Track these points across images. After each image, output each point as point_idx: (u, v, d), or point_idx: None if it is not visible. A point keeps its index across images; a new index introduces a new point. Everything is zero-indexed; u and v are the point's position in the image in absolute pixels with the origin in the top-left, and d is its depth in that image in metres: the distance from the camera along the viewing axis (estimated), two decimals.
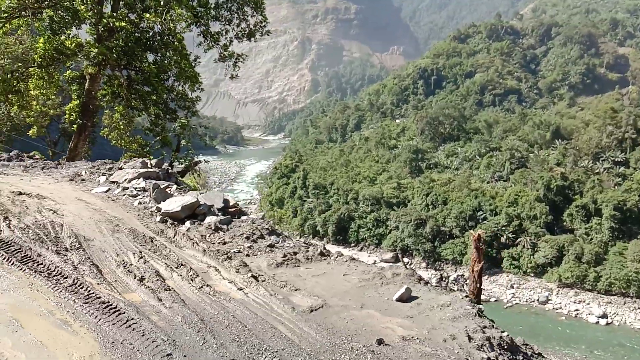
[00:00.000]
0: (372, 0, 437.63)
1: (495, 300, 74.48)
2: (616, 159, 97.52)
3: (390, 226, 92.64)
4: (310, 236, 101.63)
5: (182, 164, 19.31)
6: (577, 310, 70.13)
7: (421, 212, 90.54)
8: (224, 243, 8.30)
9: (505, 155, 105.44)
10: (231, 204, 10.21)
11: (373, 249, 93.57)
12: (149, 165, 11.79)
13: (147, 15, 14.76)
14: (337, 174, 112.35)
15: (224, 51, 18.28)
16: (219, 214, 9.57)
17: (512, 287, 77.11)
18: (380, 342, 5.36)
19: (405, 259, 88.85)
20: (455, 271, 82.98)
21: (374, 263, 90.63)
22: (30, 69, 16.48)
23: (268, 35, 20.40)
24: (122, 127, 18.60)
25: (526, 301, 73.65)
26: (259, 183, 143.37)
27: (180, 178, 16.47)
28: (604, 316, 68.09)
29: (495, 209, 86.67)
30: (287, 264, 7.61)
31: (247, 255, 7.89)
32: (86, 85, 16.63)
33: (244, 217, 9.62)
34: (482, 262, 10.41)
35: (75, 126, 17.70)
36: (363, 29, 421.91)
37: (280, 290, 6.77)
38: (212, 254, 7.66)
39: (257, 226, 8.75)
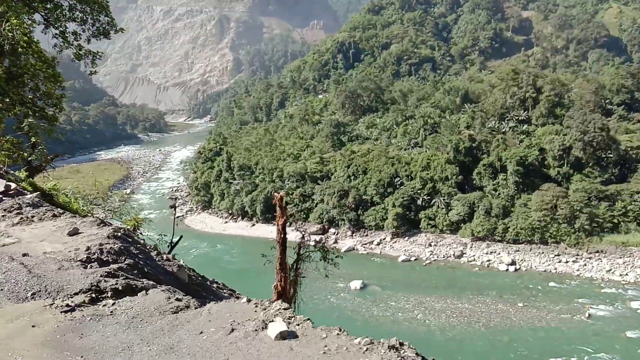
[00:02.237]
0: None
1: (415, 259, 79.24)
2: (520, 118, 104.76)
3: (316, 200, 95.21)
4: (240, 217, 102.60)
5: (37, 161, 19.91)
6: (489, 260, 76.14)
7: (343, 184, 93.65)
8: None
9: (419, 123, 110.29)
10: (12, 187, 11.21)
11: (301, 224, 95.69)
12: None
13: None
14: (261, 153, 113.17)
15: (78, 51, 18.89)
16: None
17: (430, 245, 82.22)
18: None
19: (332, 230, 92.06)
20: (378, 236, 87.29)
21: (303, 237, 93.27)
22: None
23: (122, 32, 21.18)
24: None
25: (443, 257, 78.91)
26: (184, 169, 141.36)
27: (23, 175, 17.26)
28: (513, 263, 74.43)
29: (410, 174, 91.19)
30: (21, 224, 8.60)
31: None
32: None
33: (18, 197, 10.47)
34: (285, 217, 12.39)
35: None
36: (281, 5, 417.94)
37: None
38: None
39: (18, 201, 9.70)
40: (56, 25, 17.87)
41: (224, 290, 10.67)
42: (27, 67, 16.86)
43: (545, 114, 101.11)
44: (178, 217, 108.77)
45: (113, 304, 5.69)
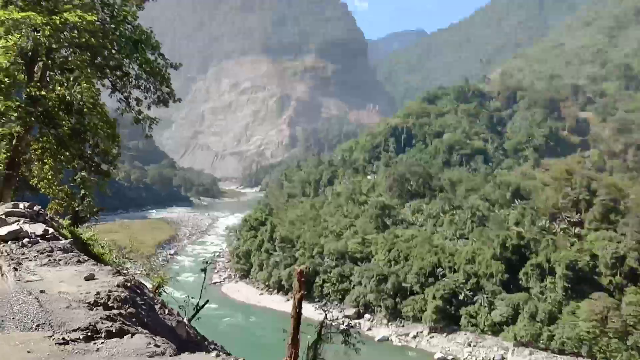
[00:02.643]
0: (349, 60, 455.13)
1: (452, 358, 75.37)
2: (572, 220, 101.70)
3: (354, 281, 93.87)
4: (275, 290, 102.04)
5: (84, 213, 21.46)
6: None
7: (383, 268, 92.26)
8: (22, 253, 9.86)
9: (467, 214, 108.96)
10: (50, 232, 11.97)
11: (336, 305, 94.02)
12: (20, 207, 13.53)
13: (58, 87, 17.20)
14: (305, 227, 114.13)
15: (137, 115, 20.85)
16: (34, 237, 11.16)
17: (470, 345, 78.22)
18: None
19: (367, 315, 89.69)
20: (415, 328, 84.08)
21: (337, 319, 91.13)
22: None
23: (180, 102, 23.23)
24: (50, 177, 20.69)
25: (482, 359, 74.70)
26: (229, 235, 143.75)
27: (65, 223, 18.42)
28: None
29: (454, 266, 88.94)
30: (48, 265, 9.26)
31: (28, 259, 9.51)
32: (14, 141, 18.79)
33: (53, 241, 11.13)
34: (302, 291, 12.71)
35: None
36: (340, 88, 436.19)
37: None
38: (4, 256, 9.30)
39: (51, 244, 10.37)
40: (122, 91, 19.87)
41: (220, 352, 10.87)
42: (90, 125, 18.68)
43: (599, 219, 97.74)
44: (215, 283, 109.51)
45: (102, 342, 6.38)
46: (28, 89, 16.49)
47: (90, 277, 8.65)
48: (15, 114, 16.33)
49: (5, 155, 19.01)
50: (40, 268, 9.20)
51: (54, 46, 16.67)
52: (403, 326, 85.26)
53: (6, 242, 10.23)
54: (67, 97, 17.02)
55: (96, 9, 18.22)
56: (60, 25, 15.87)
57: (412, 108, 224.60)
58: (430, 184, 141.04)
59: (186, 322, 10.99)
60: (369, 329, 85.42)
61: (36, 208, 14.08)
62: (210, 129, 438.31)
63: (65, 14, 15.90)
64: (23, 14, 15.14)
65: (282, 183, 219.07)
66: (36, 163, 21.07)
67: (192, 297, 24.84)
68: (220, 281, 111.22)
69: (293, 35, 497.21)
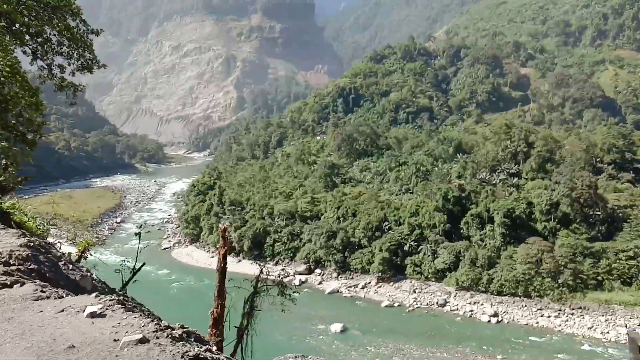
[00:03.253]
0: (296, 19, 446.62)
1: (399, 305, 78.65)
2: (510, 171, 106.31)
3: (304, 239, 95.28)
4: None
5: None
6: (472, 310, 75.58)
7: (332, 225, 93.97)
8: None
9: (411, 169, 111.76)
10: None
11: (287, 262, 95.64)
12: None
13: None
14: (254, 190, 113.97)
15: (60, 83, 20.12)
16: None
17: (415, 292, 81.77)
18: None
19: (318, 270, 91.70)
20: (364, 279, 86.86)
21: (289, 275, 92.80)
22: None
23: (105, 68, 22.53)
24: None
25: (427, 304, 78.34)
26: (177, 201, 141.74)
27: None
28: (495, 315, 73.85)
29: (399, 220, 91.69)
30: None
31: None
32: None
33: None
34: (226, 247, 12.96)
35: None
36: (288, 48, 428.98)
37: None
38: None
39: None
40: (44, 58, 19.07)
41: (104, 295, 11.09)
42: (11, 94, 17.90)
43: (536, 169, 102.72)
44: (165, 249, 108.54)
45: None
46: None
47: None
48: None
49: None
50: None
51: None
52: (352, 278, 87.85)
53: None
54: None
55: None
56: None
57: (360, 68, 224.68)
58: (378, 142, 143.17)
59: (93, 277, 11.03)
60: (320, 283, 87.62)
61: None
62: (153, 93, 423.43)
63: None
64: None
65: (230, 146, 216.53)
66: None
67: (127, 261, 24.68)
68: (170, 246, 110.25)
69: None
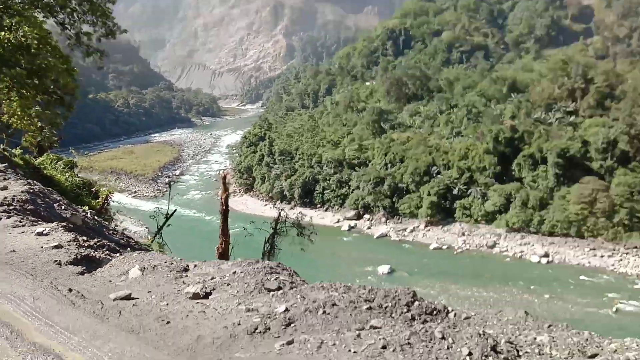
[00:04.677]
0: None
1: (447, 248, 79.54)
2: (567, 109, 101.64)
3: (352, 186, 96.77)
4: (279, 200, 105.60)
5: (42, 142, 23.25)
6: (521, 251, 75.40)
7: (380, 171, 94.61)
8: None
9: (463, 112, 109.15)
10: None
11: (337, 209, 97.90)
12: None
13: (2, 33, 18.17)
14: (302, 139, 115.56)
15: (87, 50, 21.88)
16: None
17: (464, 234, 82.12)
18: None
19: (367, 216, 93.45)
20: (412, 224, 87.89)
21: (338, 221, 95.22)
22: None
23: (126, 33, 24.09)
24: (19, 112, 22.14)
25: (476, 246, 78.76)
26: (231, 153, 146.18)
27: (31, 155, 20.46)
28: (546, 255, 73.39)
29: (448, 164, 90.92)
30: None
31: None
32: None
33: None
34: (227, 192, 14.48)
35: None
36: None
37: None
38: None
39: None
40: (71, 28, 20.82)
41: (117, 236, 12.69)
42: (45, 63, 19.83)
43: (594, 106, 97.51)
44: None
45: None
46: None
47: (3, 188, 10.61)
48: None
49: None
50: None
51: None
52: (400, 222, 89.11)
53: None
54: (12, 39, 18.03)
55: None
56: None
57: (409, 7, 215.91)
58: (428, 85, 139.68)
59: (85, 214, 12.73)
60: (369, 228, 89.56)
61: None
62: (204, 46, 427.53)
63: None
64: None
65: (281, 97, 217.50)
66: (4, 102, 22.43)
67: (160, 208, 27.23)
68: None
69: None
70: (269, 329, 4.99)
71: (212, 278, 6.34)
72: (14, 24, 18.86)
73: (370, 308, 5.47)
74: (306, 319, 5.18)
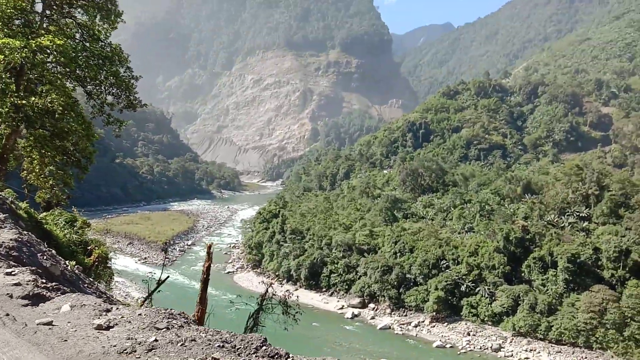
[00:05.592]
0: (373, 55, 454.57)
1: (451, 347, 76.98)
2: (581, 214, 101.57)
3: (360, 272, 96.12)
4: (285, 280, 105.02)
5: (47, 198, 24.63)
6: (527, 358, 72.50)
7: (389, 259, 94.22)
8: None
9: (476, 208, 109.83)
10: None
11: (342, 295, 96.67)
12: None
13: (33, 98, 20.43)
14: (315, 220, 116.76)
15: (108, 118, 23.93)
16: None
17: (469, 334, 79.66)
18: None
19: (372, 305, 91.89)
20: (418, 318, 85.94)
21: (342, 307, 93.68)
22: None
23: (146, 107, 26.32)
24: (37, 170, 23.90)
25: (480, 348, 76.04)
26: (244, 227, 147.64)
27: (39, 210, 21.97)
28: None
29: (457, 258, 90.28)
30: None
31: None
32: (3, 141, 22.14)
33: None
34: (210, 261, 15.47)
35: None
36: (363, 82, 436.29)
37: None
38: None
39: None
40: (96, 98, 23.07)
41: (90, 290, 13.52)
42: (68, 127, 21.88)
43: (608, 213, 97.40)
44: (228, 272, 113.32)
45: None
46: (12, 98, 19.78)
47: None
48: (0, 119, 19.80)
49: None
50: None
51: (35, 63, 19.95)
52: (405, 315, 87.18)
53: None
54: (40, 105, 20.28)
55: (70, 32, 21.64)
56: (36, 48, 19.10)
57: (431, 103, 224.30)
58: (444, 178, 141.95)
59: (65, 266, 13.74)
60: (372, 318, 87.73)
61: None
62: (233, 123, 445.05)
63: (40, 39, 19.12)
64: (4, 40, 18.35)
65: (300, 176, 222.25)
66: (25, 159, 24.48)
67: (153, 273, 28.37)
68: (233, 271, 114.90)
69: (317, 30, 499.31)
70: (135, 351, 6.77)
71: (122, 317, 8.00)
72: (44, 91, 21.13)
73: (222, 346, 6.58)
74: (166, 347, 6.89)
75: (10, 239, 11.39)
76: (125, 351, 6.72)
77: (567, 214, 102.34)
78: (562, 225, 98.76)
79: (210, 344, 6.93)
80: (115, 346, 6.87)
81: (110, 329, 7.56)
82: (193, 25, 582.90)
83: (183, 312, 9.03)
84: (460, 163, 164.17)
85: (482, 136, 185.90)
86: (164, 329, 7.52)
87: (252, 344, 6.91)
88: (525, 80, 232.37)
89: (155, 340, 7.01)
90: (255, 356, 6.62)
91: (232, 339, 7.10)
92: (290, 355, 6.92)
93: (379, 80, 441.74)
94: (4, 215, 14.07)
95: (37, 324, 7.58)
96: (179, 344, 6.91)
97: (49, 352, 6.77)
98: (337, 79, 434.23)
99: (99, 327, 7.55)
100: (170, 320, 7.94)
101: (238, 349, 6.82)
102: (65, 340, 7.10)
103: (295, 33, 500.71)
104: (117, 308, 8.57)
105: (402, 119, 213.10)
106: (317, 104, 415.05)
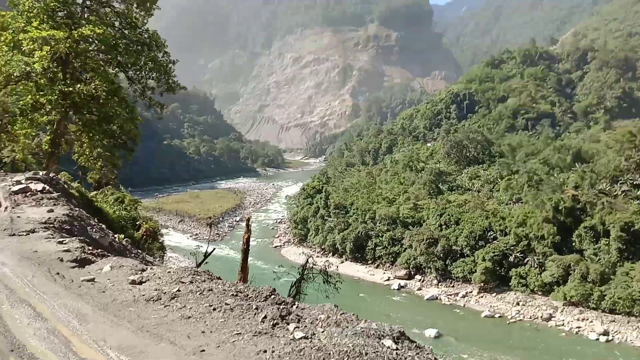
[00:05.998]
0: (413, 27, 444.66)
1: (500, 316, 76.84)
2: (635, 182, 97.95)
3: (405, 245, 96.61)
4: (330, 253, 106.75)
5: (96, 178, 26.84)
6: (579, 327, 71.59)
7: (434, 232, 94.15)
8: (22, 199, 14.87)
9: (524, 178, 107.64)
10: (46, 189, 16.60)
11: (388, 267, 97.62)
12: (39, 175, 18.39)
13: (78, 85, 21.95)
14: (358, 194, 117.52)
15: (149, 102, 25.38)
16: (36, 191, 16.07)
17: (518, 304, 79.15)
18: None
19: (418, 276, 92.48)
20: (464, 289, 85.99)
21: (388, 279, 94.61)
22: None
23: (185, 89, 27.59)
24: (87, 153, 25.82)
25: (530, 318, 75.56)
26: (289, 203, 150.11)
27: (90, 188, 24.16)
28: (605, 333, 69.23)
29: (505, 230, 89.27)
30: (33, 204, 14.44)
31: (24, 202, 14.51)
32: (55, 125, 24.04)
33: (48, 193, 15.95)
34: (249, 232, 16.54)
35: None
36: (404, 55, 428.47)
37: None
38: None
39: (43, 195, 15.09)
40: (137, 83, 24.56)
41: (132, 256, 15.08)
42: (113, 111, 23.51)
43: None
44: (276, 247, 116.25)
45: (27, 235, 12.06)
46: (59, 86, 21.46)
47: (51, 210, 13.62)
48: (50, 106, 21.58)
49: (48, 137, 24.38)
50: (27, 207, 14.86)
51: (78, 52, 21.51)
52: (452, 286, 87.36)
53: (17, 194, 15.43)
54: (85, 91, 21.88)
55: (109, 20, 23.16)
56: (78, 38, 20.56)
57: (475, 73, 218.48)
58: (490, 149, 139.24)
59: (113, 238, 15.33)
60: (419, 289, 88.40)
61: (52, 175, 19.35)
62: (275, 102, 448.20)
63: (81, 29, 20.57)
64: (49, 32, 19.87)
65: (342, 152, 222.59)
66: (76, 142, 26.39)
67: (200, 247, 30.45)
68: (281, 245, 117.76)
69: (355, 5, 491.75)
70: (160, 298, 8.18)
71: (154, 274, 9.57)
72: (88, 78, 22.80)
73: (235, 295, 7.83)
74: (187, 297, 8.20)
75: (63, 214, 13.30)
76: (152, 299, 8.15)
77: (620, 182, 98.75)
78: (615, 193, 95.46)
79: (225, 292, 8.21)
80: (144, 295, 8.34)
81: (142, 284, 9.09)
82: (231, 7, 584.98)
83: (208, 271, 10.41)
84: (507, 133, 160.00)
85: (530, 105, 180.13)
86: (188, 283, 8.90)
87: (262, 293, 8.10)
88: (573, 47, 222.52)
89: (178, 290, 8.41)
90: (265, 302, 7.73)
91: (245, 290, 8.35)
92: (296, 303, 7.99)
93: (420, 52, 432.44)
94: (58, 194, 15.75)
95: (82, 280, 9.22)
96: (198, 293, 8.26)
97: (89, 300, 8.42)
98: (377, 53, 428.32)
99: (133, 282, 9.10)
100: (194, 276, 9.30)
101: (249, 297, 8.03)
102: (103, 292, 8.78)
103: (332, 9, 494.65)
104: (151, 268, 10.07)
105: (445, 91, 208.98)
106: (357, 79, 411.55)
